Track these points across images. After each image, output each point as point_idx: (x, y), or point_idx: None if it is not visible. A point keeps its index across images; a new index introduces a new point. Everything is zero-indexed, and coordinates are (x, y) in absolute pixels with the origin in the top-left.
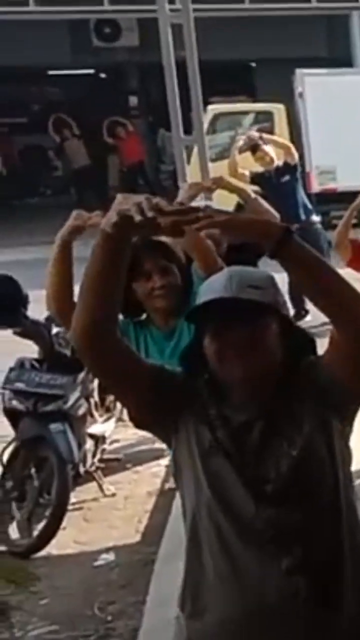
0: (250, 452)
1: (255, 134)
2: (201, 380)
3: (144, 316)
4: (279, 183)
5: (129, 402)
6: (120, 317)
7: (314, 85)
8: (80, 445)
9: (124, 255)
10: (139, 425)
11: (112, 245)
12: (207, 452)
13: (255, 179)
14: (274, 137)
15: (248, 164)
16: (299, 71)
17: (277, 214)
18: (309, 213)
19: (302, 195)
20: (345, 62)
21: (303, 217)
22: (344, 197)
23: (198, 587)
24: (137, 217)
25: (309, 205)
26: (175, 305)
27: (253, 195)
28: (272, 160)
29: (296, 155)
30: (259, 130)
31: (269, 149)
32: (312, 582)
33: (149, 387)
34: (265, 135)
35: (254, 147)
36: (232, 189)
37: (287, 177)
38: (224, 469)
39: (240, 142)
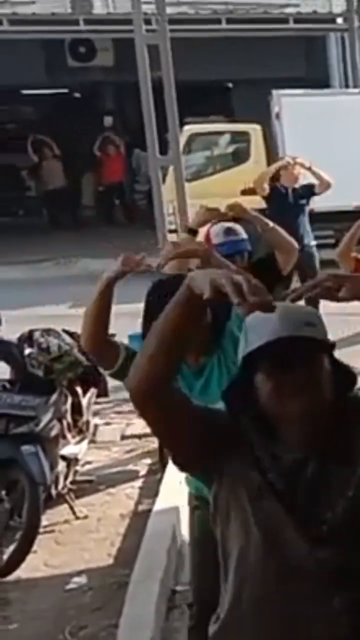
0: (302, 493)
1: (299, 160)
2: (246, 419)
3: None
4: (296, 204)
5: (180, 447)
6: None
7: (291, 105)
8: (53, 467)
9: (204, 313)
10: (184, 468)
11: (195, 306)
12: (257, 495)
13: (271, 191)
14: (319, 171)
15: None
16: (275, 92)
17: (294, 242)
18: (309, 237)
19: (307, 219)
20: (323, 83)
21: (305, 240)
22: (321, 217)
23: (238, 626)
24: (235, 300)
25: (309, 229)
26: (206, 343)
27: (271, 224)
28: (296, 179)
29: (327, 191)
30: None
31: (294, 168)
32: None
33: (202, 431)
34: (313, 168)
35: (282, 166)
36: (248, 217)
37: (304, 201)
38: (276, 511)
39: (284, 161)
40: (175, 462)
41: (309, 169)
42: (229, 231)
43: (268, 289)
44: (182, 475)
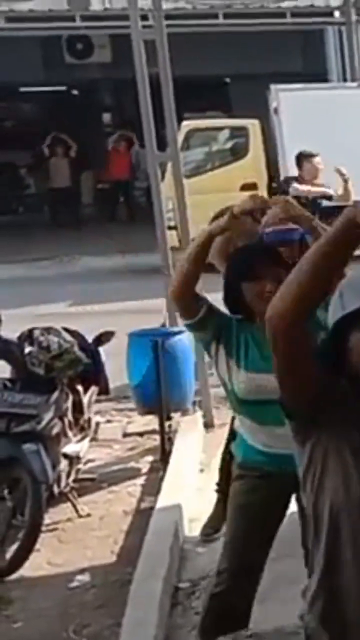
0: None
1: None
2: (342, 378)
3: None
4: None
5: (295, 391)
6: (226, 311)
7: (289, 100)
8: (54, 465)
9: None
10: (292, 416)
11: (352, 235)
12: (358, 449)
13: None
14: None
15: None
16: (273, 86)
17: None
18: None
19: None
20: (320, 77)
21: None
22: (322, 212)
23: (335, 588)
24: None
25: None
26: None
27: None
28: (317, 172)
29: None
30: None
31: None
32: None
33: (317, 382)
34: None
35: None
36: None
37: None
38: None
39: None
40: (285, 408)
41: (345, 181)
42: (280, 220)
43: None
44: (182, 471)
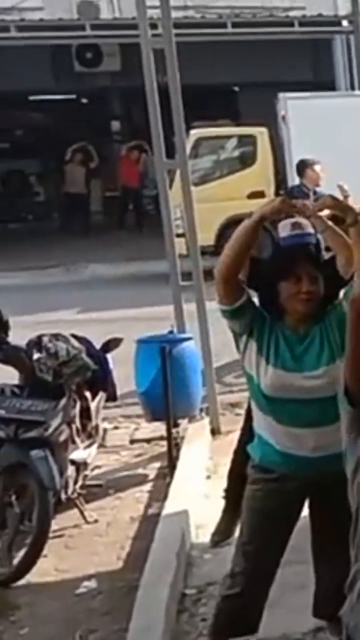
0: None
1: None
2: None
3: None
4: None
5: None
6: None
7: (297, 108)
8: (62, 471)
9: None
10: (354, 403)
11: None
12: None
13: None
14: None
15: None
16: (282, 95)
17: None
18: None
19: None
20: (328, 85)
21: None
22: (330, 218)
23: None
24: None
25: None
26: (314, 312)
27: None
28: (318, 180)
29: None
30: None
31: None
32: None
33: None
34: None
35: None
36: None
37: None
38: None
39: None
40: (349, 394)
41: (345, 197)
42: (294, 225)
43: (333, 294)
44: (189, 478)
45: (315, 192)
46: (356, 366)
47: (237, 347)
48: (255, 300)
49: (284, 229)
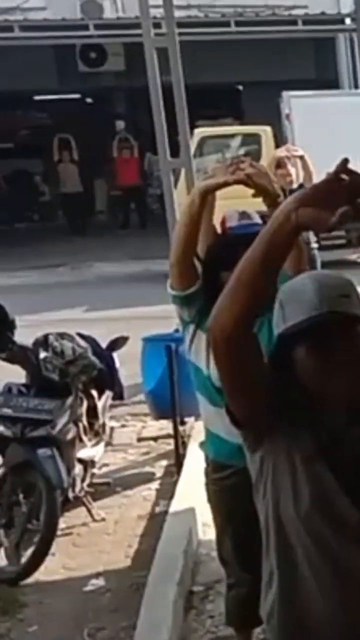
0: (349, 460)
1: (285, 153)
2: (292, 387)
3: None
4: None
5: (245, 400)
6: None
7: (301, 107)
8: (69, 470)
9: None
10: (239, 424)
11: (292, 233)
12: (309, 458)
13: None
14: (306, 162)
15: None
16: (285, 93)
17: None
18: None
19: None
20: (332, 84)
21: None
22: None
23: (293, 595)
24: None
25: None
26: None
27: None
28: (292, 181)
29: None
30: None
31: (291, 169)
32: None
33: (268, 388)
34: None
35: (278, 163)
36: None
37: None
38: (326, 476)
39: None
40: (234, 418)
41: (302, 157)
42: (242, 215)
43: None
44: (196, 476)
45: (291, 191)
46: (230, 392)
47: (185, 337)
48: None
49: (231, 219)
